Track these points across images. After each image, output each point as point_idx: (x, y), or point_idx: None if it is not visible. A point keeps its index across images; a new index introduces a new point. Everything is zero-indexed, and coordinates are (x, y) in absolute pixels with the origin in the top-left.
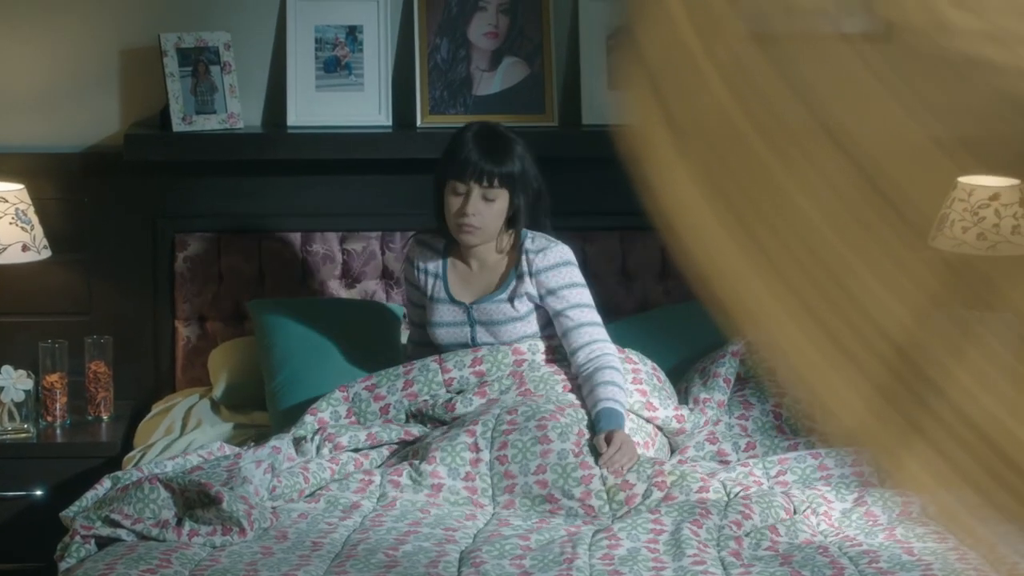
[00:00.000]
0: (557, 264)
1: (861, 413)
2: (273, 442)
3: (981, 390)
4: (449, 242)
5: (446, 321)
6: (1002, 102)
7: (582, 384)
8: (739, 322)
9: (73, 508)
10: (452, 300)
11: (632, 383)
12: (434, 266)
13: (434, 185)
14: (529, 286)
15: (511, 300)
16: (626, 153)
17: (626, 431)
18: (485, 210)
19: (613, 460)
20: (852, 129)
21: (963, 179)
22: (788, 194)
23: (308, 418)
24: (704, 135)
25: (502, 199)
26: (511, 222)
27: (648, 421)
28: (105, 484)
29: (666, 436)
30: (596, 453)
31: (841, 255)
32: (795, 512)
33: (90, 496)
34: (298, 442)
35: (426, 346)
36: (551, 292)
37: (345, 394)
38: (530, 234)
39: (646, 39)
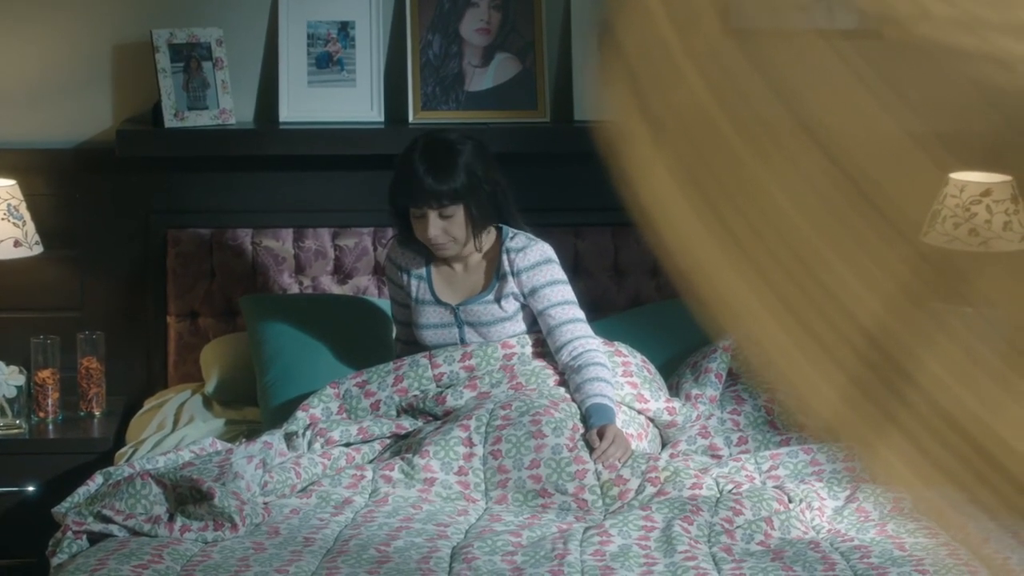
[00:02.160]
0: (538, 263)
1: (836, 405)
2: (265, 437)
3: (956, 382)
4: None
5: (432, 323)
6: (978, 97)
7: (568, 381)
8: (717, 315)
9: (65, 504)
10: (438, 302)
11: (622, 376)
12: (417, 268)
13: (390, 202)
14: (512, 285)
15: (498, 301)
16: (606, 148)
17: (617, 424)
18: (447, 226)
19: (607, 454)
20: (828, 123)
21: (955, 175)
22: (765, 187)
23: (299, 414)
24: (682, 129)
25: (459, 212)
26: (479, 224)
27: (640, 413)
28: (97, 480)
29: (657, 428)
30: (590, 448)
31: (817, 248)
32: (790, 502)
33: (82, 492)
34: (289, 437)
35: (414, 344)
36: (533, 291)
37: (336, 390)
38: (511, 232)
39: (624, 33)
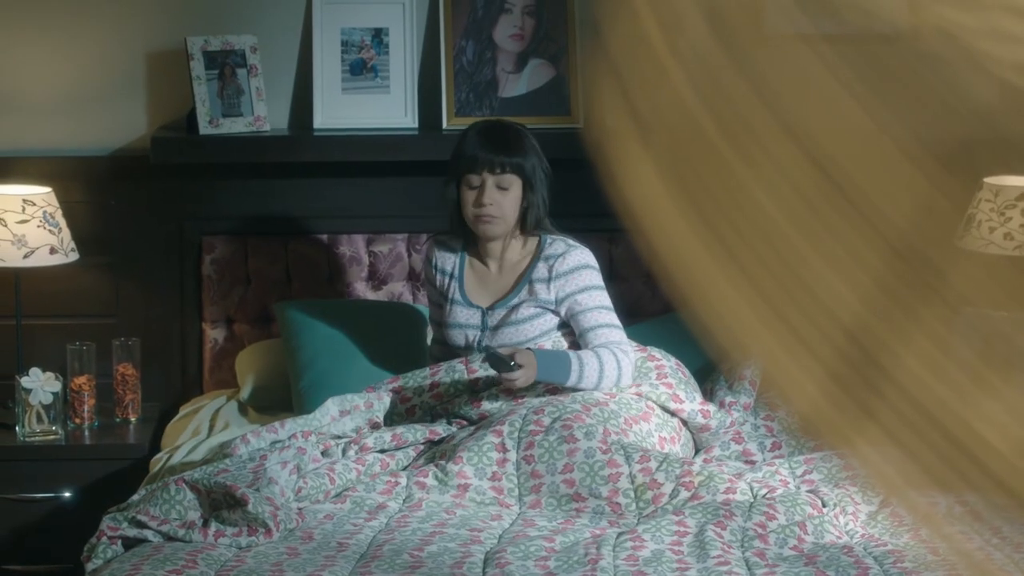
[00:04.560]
0: (576, 267)
1: (817, 400)
2: (299, 443)
3: (933, 378)
4: (467, 242)
5: (460, 323)
6: (960, 103)
7: None
8: (702, 314)
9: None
10: (468, 303)
11: (657, 378)
12: (451, 266)
13: (445, 185)
14: (544, 291)
15: (517, 307)
16: (594, 150)
17: (532, 376)
18: (500, 199)
19: (512, 378)
20: (809, 125)
21: (989, 179)
22: (747, 187)
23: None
24: (667, 130)
25: (515, 187)
26: (524, 220)
27: (674, 415)
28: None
29: (691, 431)
30: (624, 449)
31: (797, 246)
32: (824, 506)
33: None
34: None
35: (447, 345)
36: (567, 296)
37: (368, 398)
38: (550, 239)
39: (611, 33)
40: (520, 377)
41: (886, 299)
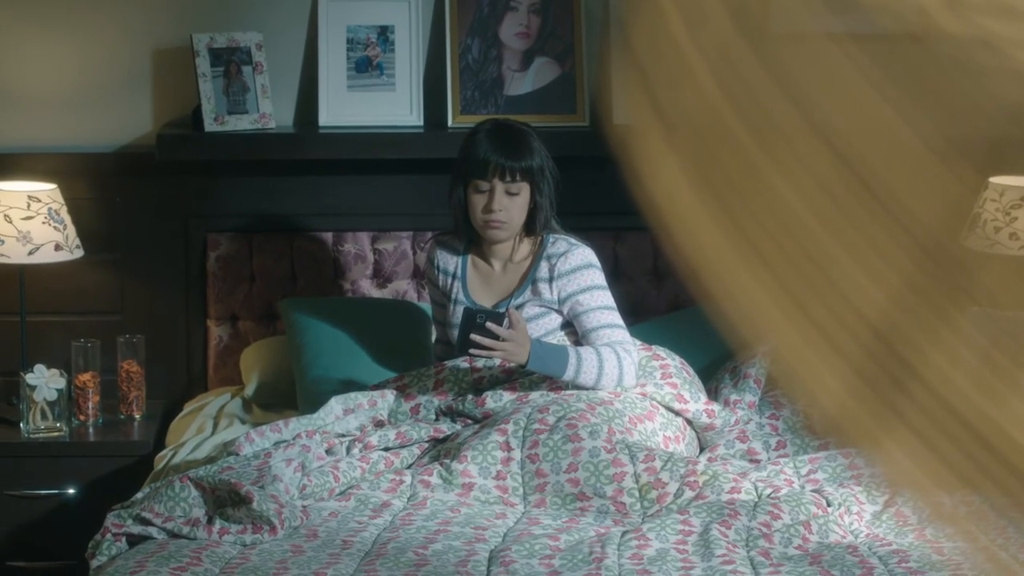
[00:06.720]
0: (578, 267)
1: (843, 398)
2: (303, 441)
3: (960, 377)
4: (469, 242)
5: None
6: (989, 103)
7: None
8: (727, 312)
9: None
10: (471, 303)
11: (661, 378)
12: (453, 267)
13: (451, 187)
14: (547, 291)
15: (520, 306)
16: (618, 148)
17: (532, 365)
18: (510, 204)
19: (504, 347)
20: (836, 123)
21: (995, 179)
22: (773, 184)
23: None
24: (693, 128)
25: (524, 192)
26: (532, 222)
27: (678, 414)
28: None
29: (695, 431)
30: (629, 448)
31: (824, 244)
32: (828, 506)
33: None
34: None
35: (451, 345)
36: (569, 296)
37: (373, 396)
38: (552, 237)
39: (635, 30)
40: (509, 344)
41: (914, 297)
